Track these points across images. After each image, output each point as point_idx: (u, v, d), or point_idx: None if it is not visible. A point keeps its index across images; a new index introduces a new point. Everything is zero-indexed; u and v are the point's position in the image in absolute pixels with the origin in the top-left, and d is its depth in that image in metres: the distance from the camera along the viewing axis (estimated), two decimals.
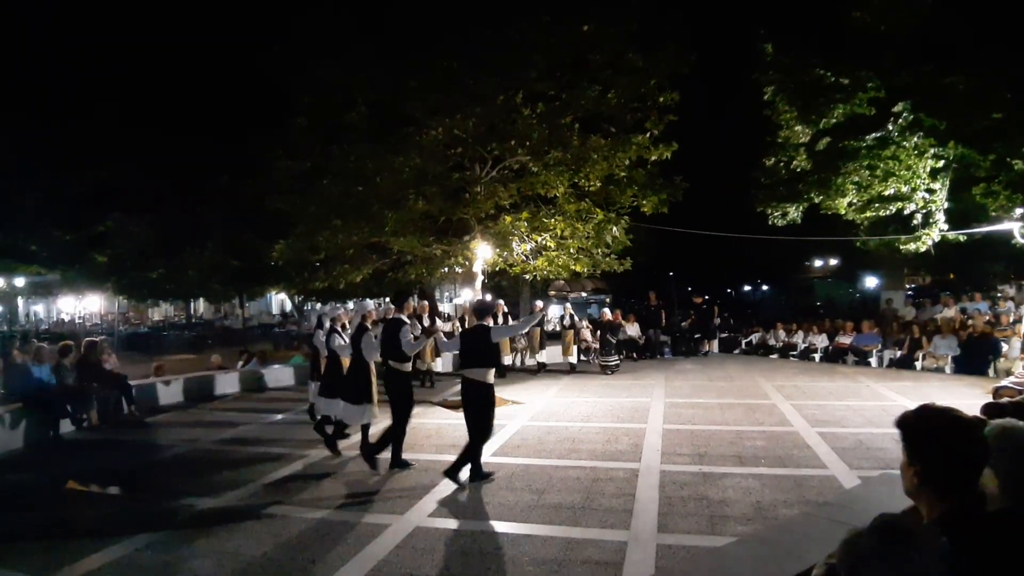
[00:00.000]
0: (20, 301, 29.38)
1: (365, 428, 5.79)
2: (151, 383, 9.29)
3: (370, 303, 6.10)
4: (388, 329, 5.48)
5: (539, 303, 5.57)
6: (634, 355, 12.97)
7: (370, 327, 5.77)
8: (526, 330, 5.36)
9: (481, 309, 5.03)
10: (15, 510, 4.71)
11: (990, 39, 8.88)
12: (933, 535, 1.15)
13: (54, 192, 18.61)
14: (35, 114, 18.30)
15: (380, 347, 5.49)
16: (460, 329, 10.35)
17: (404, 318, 5.58)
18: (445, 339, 6.92)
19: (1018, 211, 9.88)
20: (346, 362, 6.06)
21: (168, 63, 20.74)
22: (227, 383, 9.96)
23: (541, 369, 11.22)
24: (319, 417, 6.46)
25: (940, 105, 9.65)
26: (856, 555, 1.21)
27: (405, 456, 5.45)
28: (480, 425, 4.76)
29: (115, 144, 18.61)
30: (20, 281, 23.02)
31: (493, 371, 4.88)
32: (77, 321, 28.48)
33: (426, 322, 9.68)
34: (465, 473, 4.84)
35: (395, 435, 5.26)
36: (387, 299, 24.70)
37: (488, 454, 5.72)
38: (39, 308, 34.11)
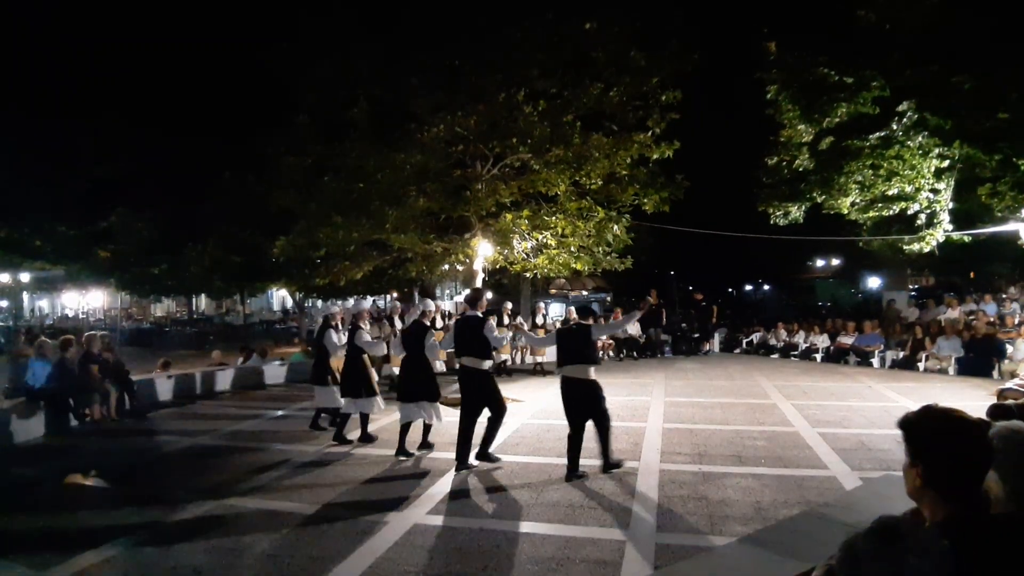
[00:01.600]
0: (25, 296, 29.52)
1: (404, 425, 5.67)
2: (152, 378, 9.31)
3: (431, 303, 6.07)
4: (466, 326, 5.36)
5: (649, 298, 5.60)
6: (634, 354, 12.96)
7: (430, 325, 5.75)
8: (627, 326, 5.52)
9: (583, 309, 5.40)
10: (16, 504, 4.71)
11: (997, 38, 8.82)
12: (933, 537, 1.13)
13: (59, 188, 18.67)
14: (40, 112, 18.35)
15: (455, 344, 5.42)
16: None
17: (479, 314, 5.44)
18: (534, 336, 6.86)
19: None
20: (365, 359, 6.11)
21: (172, 61, 20.77)
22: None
23: (538, 369, 11.16)
24: (339, 418, 6.30)
25: (945, 104, 9.58)
26: (855, 557, 1.19)
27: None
28: (603, 417, 4.92)
29: (119, 141, 18.65)
30: (25, 276, 23.12)
31: (594, 368, 5.03)
32: (80, 316, 28.59)
33: (397, 324, 9.62)
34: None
35: (496, 422, 5.24)
36: (391, 295, 24.71)
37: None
38: (43, 303, 34.27)
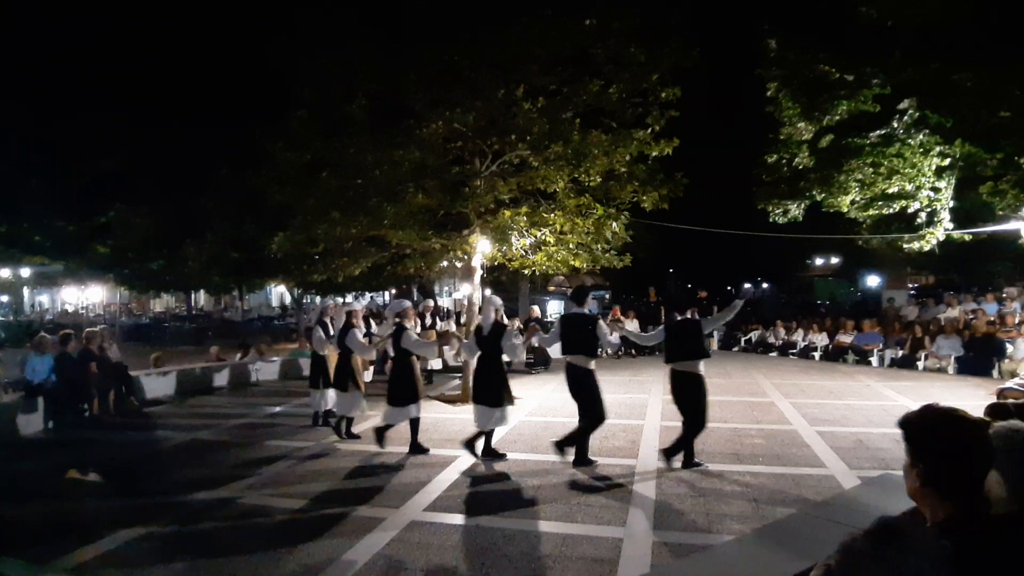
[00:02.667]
0: (25, 291, 29.48)
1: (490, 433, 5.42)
2: (150, 374, 9.30)
3: (498, 299, 5.68)
4: (574, 323, 5.25)
5: (748, 285, 5.42)
6: (632, 352, 12.95)
7: (508, 323, 5.52)
8: (730, 317, 5.43)
9: (675, 300, 5.32)
10: (14, 499, 4.70)
11: (999, 36, 8.77)
12: (932, 538, 1.11)
13: (58, 183, 18.64)
14: (39, 106, 18.29)
15: (561, 342, 5.28)
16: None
17: (587, 311, 5.33)
18: (639, 332, 6.49)
19: None
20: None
21: (170, 56, 20.73)
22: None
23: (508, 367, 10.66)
24: (384, 424, 5.67)
25: (947, 102, 9.54)
26: (854, 557, 1.17)
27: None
28: (700, 413, 4.90)
29: (118, 136, 18.63)
30: (25, 272, 23.10)
31: (703, 363, 4.99)
32: (80, 312, 28.57)
33: (428, 321, 9.49)
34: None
35: (586, 430, 5.12)
36: (391, 292, 24.66)
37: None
38: (44, 298, 34.22)
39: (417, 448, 5.60)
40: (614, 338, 5.35)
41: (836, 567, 1.21)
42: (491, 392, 5.31)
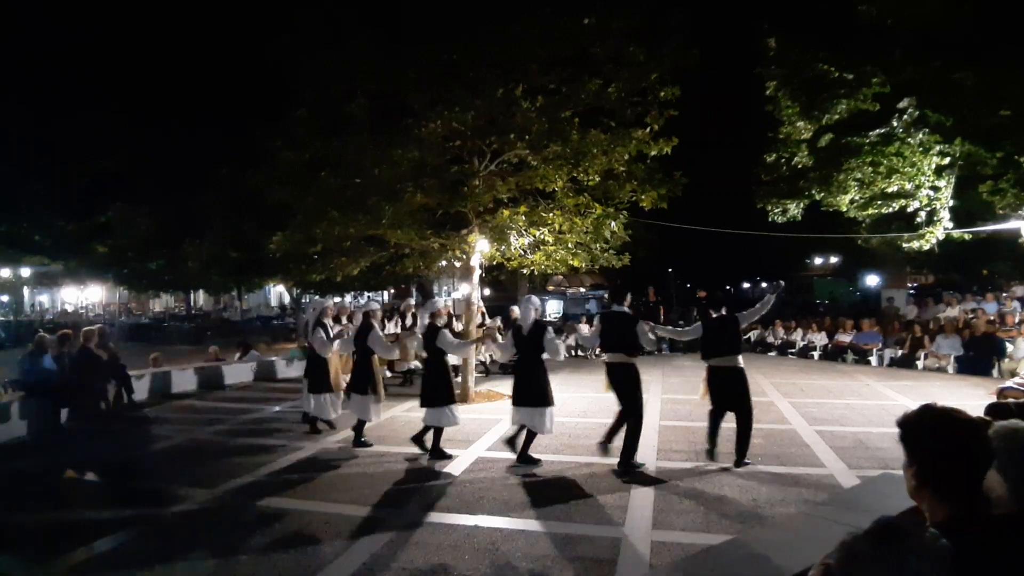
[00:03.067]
0: (25, 291, 29.50)
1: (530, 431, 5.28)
2: (148, 373, 9.29)
3: (535, 298, 5.56)
4: (613, 321, 5.24)
5: (774, 284, 5.52)
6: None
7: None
8: (764, 312, 5.55)
9: (713, 298, 5.34)
10: (12, 499, 4.70)
11: (999, 36, 8.77)
12: (932, 538, 1.11)
13: (58, 183, 18.66)
14: (39, 106, 18.31)
15: (601, 340, 5.27)
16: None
17: (626, 309, 5.33)
18: (676, 329, 6.54)
19: None
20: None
21: (170, 56, 20.74)
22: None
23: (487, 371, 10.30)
24: (433, 427, 5.50)
25: (947, 102, 9.53)
26: (852, 557, 1.17)
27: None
28: (747, 406, 5.01)
29: (118, 135, 18.65)
30: (25, 272, 23.15)
31: (741, 357, 5.13)
32: (80, 311, 28.56)
33: (408, 322, 9.35)
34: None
35: (636, 428, 5.06)
36: (390, 291, 24.67)
37: (483, 448, 5.71)
38: (44, 298, 34.24)
39: (420, 445, 5.58)
40: (652, 336, 5.35)
41: (836, 567, 1.20)
42: (537, 393, 5.16)
